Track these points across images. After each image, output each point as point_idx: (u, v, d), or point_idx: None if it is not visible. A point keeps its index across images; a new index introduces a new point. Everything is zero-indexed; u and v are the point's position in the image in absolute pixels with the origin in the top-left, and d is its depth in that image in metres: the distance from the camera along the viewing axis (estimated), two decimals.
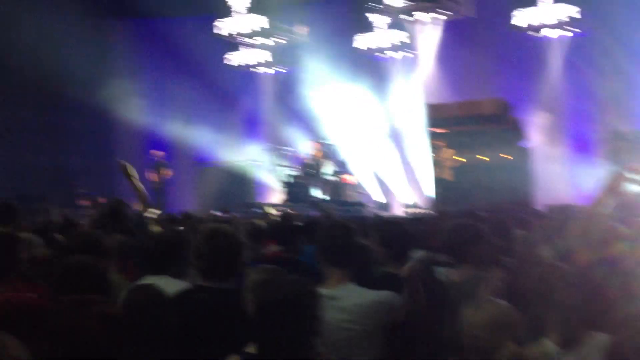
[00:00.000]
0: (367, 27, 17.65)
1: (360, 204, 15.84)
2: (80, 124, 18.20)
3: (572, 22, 14.91)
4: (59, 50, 17.57)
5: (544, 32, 15.38)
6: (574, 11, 14.80)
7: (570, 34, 15.31)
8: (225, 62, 19.09)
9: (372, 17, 17.07)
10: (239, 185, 17.28)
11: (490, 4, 15.73)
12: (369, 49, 17.66)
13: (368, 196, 16.96)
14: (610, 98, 15.08)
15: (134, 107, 19.88)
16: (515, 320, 2.83)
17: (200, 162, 19.35)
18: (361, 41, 17.65)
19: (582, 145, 15.48)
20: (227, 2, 17.75)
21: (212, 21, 18.10)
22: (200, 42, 19.03)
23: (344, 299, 3.34)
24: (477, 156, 14.56)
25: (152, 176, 17.03)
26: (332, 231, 3.58)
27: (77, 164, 17.89)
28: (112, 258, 3.89)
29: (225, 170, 17.87)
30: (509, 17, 15.31)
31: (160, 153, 17.48)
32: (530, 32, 15.42)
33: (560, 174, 14.82)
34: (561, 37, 15.45)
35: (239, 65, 19.04)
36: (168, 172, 17.17)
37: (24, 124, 16.97)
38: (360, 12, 17.66)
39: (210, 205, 15.02)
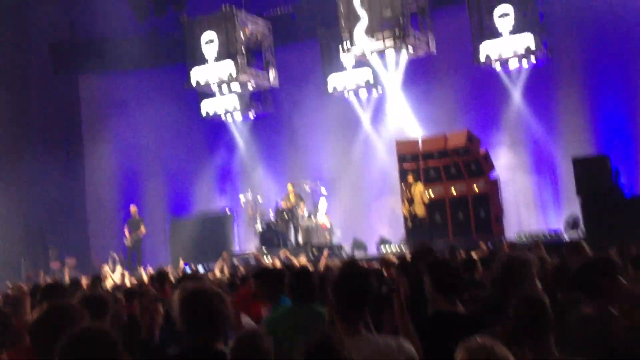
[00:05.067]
0: (336, 68, 17.52)
1: (339, 247, 15.64)
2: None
3: (531, 52, 14.84)
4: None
5: (505, 63, 15.40)
6: (531, 41, 14.69)
7: (528, 64, 15.28)
8: (198, 111, 18.86)
9: (343, 57, 16.71)
10: (215, 235, 16.98)
11: (449, 41, 15.81)
12: (340, 90, 17.56)
13: (343, 237, 16.61)
14: (569, 125, 15.21)
15: (106, 161, 19.79)
16: None
17: (175, 215, 19.15)
18: (334, 82, 17.59)
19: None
20: (196, 52, 17.58)
21: (180, 72, 17.98)
22: (171, 93, 18.96)
23: None
24: (450, 190, 14.49)
25: (127, 234, 16.74)
26: None
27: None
28: None
29: (200, 222, 17.60)
30: (468, 52, 15.31)
31: (134, 209, 17.06)
32: (491, 65, 15.43)
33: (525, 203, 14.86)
34: (520, 68, 15.45)
35: (214, 114, 18.64)
36: (142, 231, 16.75)
37: None
38: (330, 53, 17.59)
39: (186, 258, 14.81)
